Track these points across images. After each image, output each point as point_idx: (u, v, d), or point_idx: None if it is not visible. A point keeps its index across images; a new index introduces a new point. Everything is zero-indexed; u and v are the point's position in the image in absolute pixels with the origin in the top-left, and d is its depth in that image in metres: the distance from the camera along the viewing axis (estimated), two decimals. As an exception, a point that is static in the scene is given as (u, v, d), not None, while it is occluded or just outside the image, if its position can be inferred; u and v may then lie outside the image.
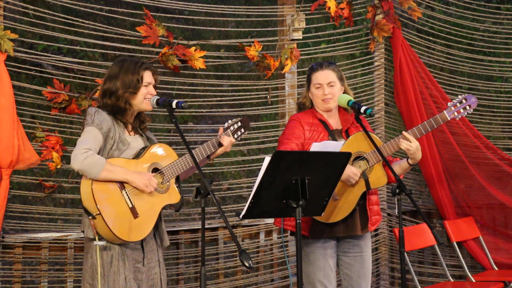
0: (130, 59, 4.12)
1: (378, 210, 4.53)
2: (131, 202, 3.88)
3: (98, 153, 3.90)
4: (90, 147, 3.83)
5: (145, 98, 4.04)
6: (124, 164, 3.91)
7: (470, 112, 4.55)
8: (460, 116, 4.51)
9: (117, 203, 3.86)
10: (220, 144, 4.19)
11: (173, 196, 4.05)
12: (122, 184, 3.88)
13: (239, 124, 4.30)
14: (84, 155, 3.79)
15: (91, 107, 3.99)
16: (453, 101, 4.53)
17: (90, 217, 3.81)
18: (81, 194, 3.86)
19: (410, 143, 4.36)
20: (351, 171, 4.30)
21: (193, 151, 4.07)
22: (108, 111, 3.98)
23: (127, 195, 3.88)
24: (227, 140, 4.20)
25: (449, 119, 4.47)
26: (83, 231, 3.96)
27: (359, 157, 4.40)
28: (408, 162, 4.45)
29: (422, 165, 6.45)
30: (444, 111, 4.49)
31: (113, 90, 3.99)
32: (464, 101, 4.51)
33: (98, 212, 3.79)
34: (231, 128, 4.26)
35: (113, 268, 3.89)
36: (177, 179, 4.12)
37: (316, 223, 4.37)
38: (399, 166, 4.50)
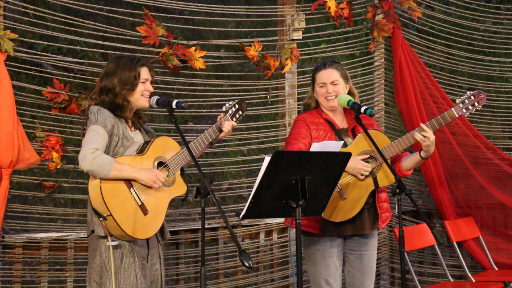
0: (127, 56, 4.12)
1: (388, 207, 4.54)
2: (140, 199, 3.89)
3: (104, 151, 3.90)
4: (97, 147, 3.83)
5: (142, 95, 4.04)
6: (130, 162, 3.91)
7: (480, 109, 4.56)
8: (468, 113, 4.52)
9: (126, 202, 3.86)
10: (220, 130, 4.22)
11: (180, 187, 4.06)
12: (129, 182, 3.88)
13: (236, 106, 4.32)
14: (93, 155, 3.79)
15: (93, 106, 3.99)
16: (462, 97, 4.55)
17: (101, 219, 3.81)
18: (89, 196, 3.85)
19: (427, 133, 4.37)
20: (361, 164, 4.31)
21: (195, 140, 4.10)
22: (108, 108, 3.98)
23: (136, 192, 3.88)
24: (229, 125, 4.23)
25: (457, 116, 4.49)
26: (93, 230, 3.93)
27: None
28: (420, 155, 4.45)
29: (422, 165, 6.45)
30: (452, 108, 4.50)
31: (110, 87, 3.99)
32: (472, 97, 4.52)
33: (109, 213, 3.79)
34: (229, 112, 4.28)
35: (123, 266, 3.89)
36: (181, 169, 4.12)
37: (326, 221, 4.37)
38: (411, 160, 4.51)
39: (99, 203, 3.82)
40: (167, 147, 4.07)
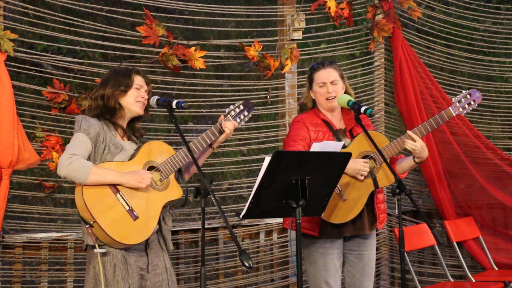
0: (122, 67, 4.11)
1: (384, 208, 4.55)
2: (127, 204, 3.82)
3: (89, 159, 3.85)
4: (75, 153, 3.78)
5: (136, 101, 3.99)
6: (116, 166, 3.85)
7: (475, 107, 4.54)
8: (465, 112, 4.51)
9: (112, 207, 3.80)
10: (221, 132, 4.09)
11: (175, 192, 3.98)
12: (115, 187, 3.82)
13: (241, 107, 4.17)
14: (69, 160, 3.74)
15: (79, 115, 3.98)
16: (457, 96, 4.53)
17: (87, 226, 3.75)
18: (76, 202, 3.80)
19: (415, 143, 4.36)
20: (360, 163, 4.29)
21: (193, 141, 4.01)
22: (98, 115, 3.95)
23: (122, 197, 3.82)
24: (230, 125, 4.08)
25: (454, 115, 4.47)
26: (83, 240, 3.90)
27: (366, 157, 4.41)
28: (414, 160, 4.46)
29: (422, 165, 6.45)
30: (449, 107, 4.49)
31: (103, 93, 3.96)
32: (468, 96, 4.52)
33: (94, 220, 3.73)
34: (232, 113, 4.15)
35: (116, 278, 3.82)
36: (181, 175, 4.07)
37: (326, 223, 4.36)
38: (405, 164, 4.52)
39: (83, 210, 3.76)
40: (159, 151, 4.01)
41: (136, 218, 3.83)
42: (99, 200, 3.78)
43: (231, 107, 4.17)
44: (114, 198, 3.82)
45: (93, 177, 3.75)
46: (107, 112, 3.96)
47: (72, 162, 3.74)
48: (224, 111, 4.17)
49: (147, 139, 4.17)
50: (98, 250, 3.79)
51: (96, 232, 3.77)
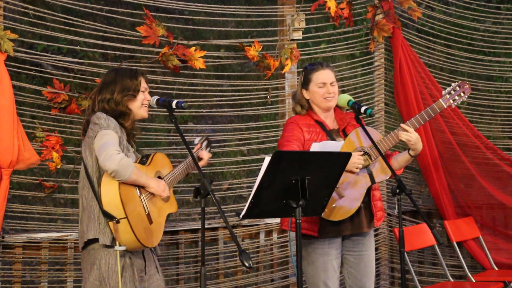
0: (123, 67, 4.09)
1: (381, 206, 4.55)
2: (147, 207, 3.86)
3: None
4: (118, 149, 3.76)
5: (142, 104, 4.00)
6: (141, 168, 3.89)
7: (466, 99, 4.57)
8: (455, 104, 4.53)
9: (137, 207, 3.82)
10: (199, 159, 4.25)
11: (173, 205, 4.06)
12: (139, 189, 3.84)
13: (206, 142, 4.37)
14: (120, 155, 3.72)
15: (99, 112, 3.89)
16: (447, 89, 4.56)
17: (114, 221, 3.72)
18: (102, 197, 3.75)
19: (410, 134, 4.37)
20: (355, 157, 4.28)
21: (177, 167, 4.11)
22: (111, 117, 3.92)
23: (144, 200, 3.86)
24: (207, 155, 4.27)
25: (445, 106, 4.49)
26: (88, 241, 3.82)
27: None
28: (409, 153, 4.46)
29: (422, 165, 6.45)
30: (440, 99, 4.51)
31: (109, 98, 3.92)
32: (458, 88, 4.54)
33: (125, 216, 3.73)
34: (204, 143, 4.33)
35: (123, 279, 3.82)
36: None
37: (325, 222, 4.37)
38: (401, 159, 4.53)
39: (115, 205, 3.74)
40: (164, 164, 4.08)
41: (151, 223, 3.87)
42: (130, 198, 3.79)
43: (198, 139, 4.36)
44: (138, 200, 3.84)
45: (133, 177, 3.77)
46: (120, 116, 3.94)
47: (122, 158, 3.72)
48: (194, 143, 4.35)
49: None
50: (118, 248, 3.75)
51: (121, 229, 3.74)
